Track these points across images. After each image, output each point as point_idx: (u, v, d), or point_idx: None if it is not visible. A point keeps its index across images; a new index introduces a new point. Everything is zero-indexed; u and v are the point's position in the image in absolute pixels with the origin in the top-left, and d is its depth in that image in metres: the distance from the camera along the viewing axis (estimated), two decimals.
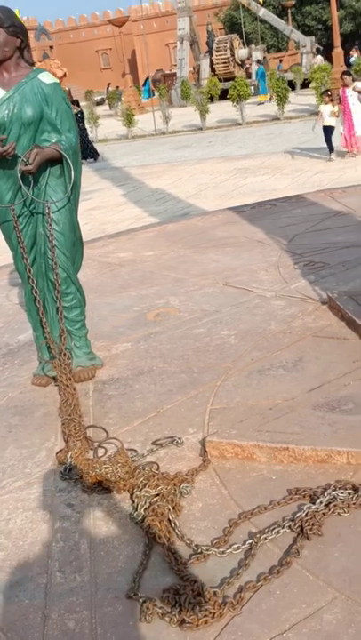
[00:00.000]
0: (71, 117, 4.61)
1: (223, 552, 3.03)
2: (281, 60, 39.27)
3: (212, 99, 31.78)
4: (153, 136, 27.11)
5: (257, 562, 2.96)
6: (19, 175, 4.42)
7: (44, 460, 3.96)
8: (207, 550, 3.04)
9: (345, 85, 15.02)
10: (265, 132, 22.63)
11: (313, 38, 39.42)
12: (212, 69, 38.63)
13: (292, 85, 31.03)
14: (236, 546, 3.04)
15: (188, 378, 4.62)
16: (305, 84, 33.65)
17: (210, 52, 39.67)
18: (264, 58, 38.85)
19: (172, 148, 22.03)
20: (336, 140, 15.12)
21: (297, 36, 39.89)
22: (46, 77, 4.53)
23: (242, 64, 39.12)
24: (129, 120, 27.20)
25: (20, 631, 2.78)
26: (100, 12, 73.55)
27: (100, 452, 3.92)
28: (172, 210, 12.69)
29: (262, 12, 40.70)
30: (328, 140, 15.16)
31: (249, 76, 36.19)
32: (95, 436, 4.08)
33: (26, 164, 4.37)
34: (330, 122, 15.13)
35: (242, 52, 39.27)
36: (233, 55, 38.80)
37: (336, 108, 15.04)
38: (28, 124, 4.44)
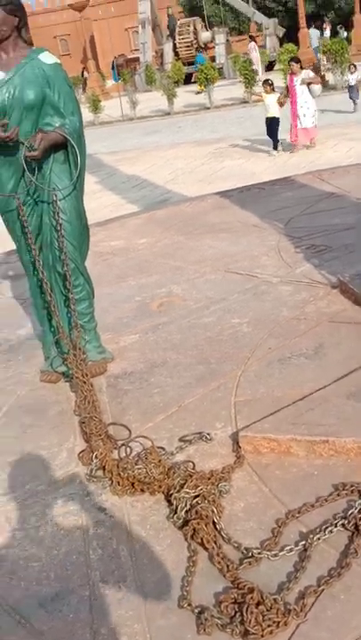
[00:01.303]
0: (74, 99, 4.38)
1: (276, 555, 2.86)
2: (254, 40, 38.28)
3: (177, 83, 31.44)
4: (121, 122, 26.74)
5: (313, 564, 2.80)
6: (23, 162, 4.19)
7: (65, 461, 3.76)
8: (258, 553, 2.87)
9: (292, 73, 13.95)
10: (234, 115, 22.43)
11: (276, 20, 39.19)
12: (176, 53, 38.21)
13: None
14: (288, 548, 2.88)
15: (205, 369, 4.44)
16: (270, 67, 33.48)
17: (172, 35, 39.23)
18: (227, 41, 38.53)
19: (142, 133, 21.72)
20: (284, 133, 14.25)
21: (259, 17, 39.63)
22: (47, 57, 4.28)
23: (205, 47, 38.71)
24: (95, 106, 26.78)
25: None
26: None
27: (126, 451, 3.72)
28: (150, 196, 12.47)
29: None
30: (272, 133, 14.16)
31: (213, 59, 35.86)
32: (117, 434, 3.88)
33: (30, 150, 4.14)
34: (274, 112, 14.01)
35: (205, 36, 38.84)
36: (196, 38, 38.40)
37: (282, 96, 13.96)
38: (30, 108, 4.20)
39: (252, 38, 34.31)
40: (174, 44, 38.19)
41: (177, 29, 38.67)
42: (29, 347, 5.25)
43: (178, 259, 6.76)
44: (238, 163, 13.88)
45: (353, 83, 18.17)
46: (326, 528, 2.95)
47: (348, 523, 2.94)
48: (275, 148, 14.21)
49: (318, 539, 2.90)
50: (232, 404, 3.98)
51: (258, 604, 2.59)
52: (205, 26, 40.65)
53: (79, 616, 2.73)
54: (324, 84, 22.24)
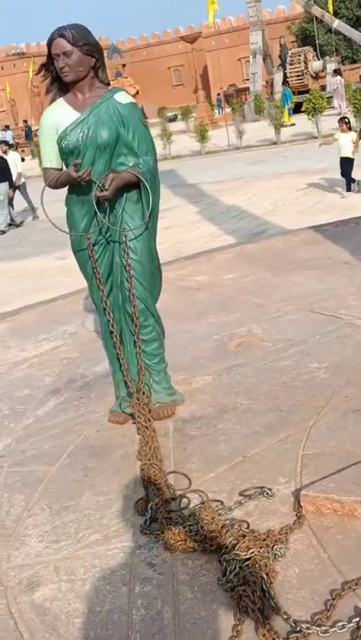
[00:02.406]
0: (149, 139, 4.34)
1: (326, 631, 2.65)
2: None
3: None
4: (226, 151, 26.83)
5: None
6: (94, 202, 4.17)
7: (122, 509, 3.66)
8: (307, 628, 2.66)
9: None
10: None
11: None
12: (286, 82, 38.14)
13: None
14: (341, 624, 2.65)
15: (276, 417, 4.26)
16: None
17: (283, 65, 39.23)
18: (337, 70, 38.16)
19: (247, 163, 21.68)
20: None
21: None
22: (122, 97, 4.27)
23: (316, 76, 38.49)
24: (202, 136, 26.98)
25: None
26: (171, 29, 74.05)
27: (184, 502, 3.60)
28: (248, 227, 12.35)
29: (336, 24, 40.05)
30: (346, 174, 13.67)
31: (323, 88, 35.60)
32: (177, 483, 3.76)
33: (102, 190, 4.12)
34: (347, 153, 13.48)
35: (316, 65, 38.65)
36: (307, 68, 38.25)
37: (358, 137, 13.45)
38: (104, 148, 4.19)
39: (337, 72, 33.58)
40: (285, 74, 38.13)
41: (288, 59, 38.63)
42: (103, 384, 5.21)
43: (261, 296, 6.60)
44: (340, 195, 13.59)
45: None
46: None
47: None
48: (348, 189, 13.63)
49: None
50: (299, 457, 3.78)
51: None
52: (317, 55, 40.45)
53: None
54: None
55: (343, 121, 13.90)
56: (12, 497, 3.98)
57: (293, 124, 29.82)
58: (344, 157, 13.58)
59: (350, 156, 13.48)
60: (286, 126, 28.32)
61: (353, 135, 13.49)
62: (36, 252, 13.34)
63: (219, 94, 41.67)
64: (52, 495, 3.91)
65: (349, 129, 13.74)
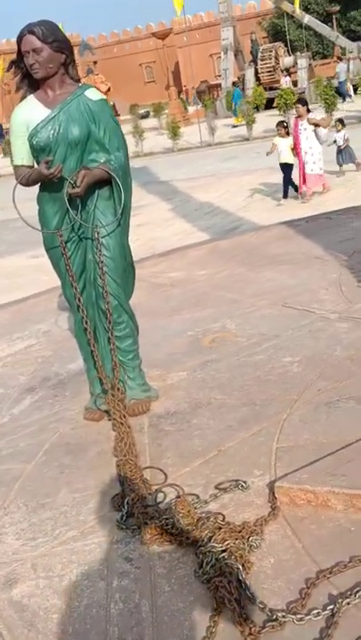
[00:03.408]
0: (120, 135, 4.34)
1: (302, 619, 2.69)
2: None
3: (257, 108, 31.44)
4: (199, 148, 26.86)
5: (340, 631, 2.62)
6: (66, 199, 4.17)
7: (99, 505, 3.68)
8: (283, 617, 2.70)
9: (298, 117, 12.73)
10: None
11: (360, 43, 38.79)
12: (258, 78, 38.25)
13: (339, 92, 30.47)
14: (316, 612, 2.70)
15: (249, 411, 4.30)
16: (354, 90, 33.09)
17: (254, 61, 39.33)
18: (310, 65, 38.32)
19: (219, 159, 21.73)
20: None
21: (343, 41, 39.34)
22: (93, 94, 4.27)
23: (287, 72, 38.63)
24: (174, 132, 27.00)
25: None
26: (142, 25, 73.79)
27: (160, 496, 3.62)
28: (221, 224, 12.40)
29: (307, 19, 40.25)
30: (286, 181, 13.01)
31: (295, 84, 35.78)
32: (153, 478, 3.78)
33: (73, 187, 4.12)
34: (287, 159, 12.88)
35: (287, 60, 38.77)
36: (278, 63, 38.37)
37: (292, 143, 12.79)
38: (75, 145, 4.19)
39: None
40: (256, 70, 38.23)
41: (259, 55, 38.73)
42: (78, 382, 5.21)
43: (236, 291, 6.65)
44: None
45: (341, 142, 14.69)
46: (358, 591, 2.76)
47: None
48: (285, 196, 13.11)
49: (348, 603, 2.72)
50: (273, 450, 3.83)
51: None
52: (288, 51, 40.60)
53: None
54: None
55: (282, 125, 13.23)
56: None
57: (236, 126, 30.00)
58: (283, 163, 13.03)
59: (290, 161, 12.95)
60: (236, 127, 28.42)
61: (290, 141, 12.86)
62: (10, 252, 13.27)
63: (185, 89, 41.88)
64: (28, 493, 3.92)
65: (287, 134, 13.10)
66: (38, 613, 3.00)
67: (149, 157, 26.11)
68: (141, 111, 46.53)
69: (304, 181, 12.78)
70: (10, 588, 3.18)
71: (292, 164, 12.99)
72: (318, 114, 13.46)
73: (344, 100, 31.80)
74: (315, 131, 12.43)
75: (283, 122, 13.49)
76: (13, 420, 4.88)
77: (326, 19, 44.30)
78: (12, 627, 2.94)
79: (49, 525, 3.59)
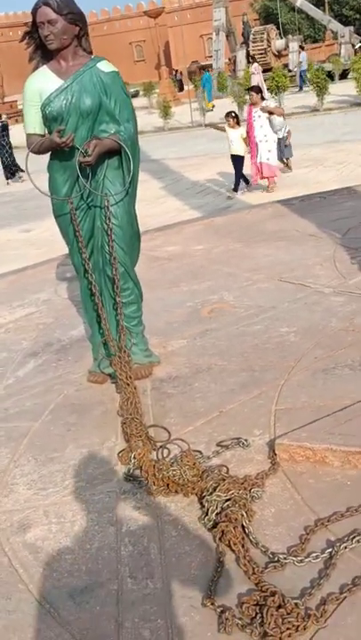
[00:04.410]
0: (130, 107, 4.49)
1: (302, 561, 2.89)
2: None
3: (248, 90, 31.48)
4: (190, 128, 26.92)
5: (338, 572, 2.82)
6: (77, 167, 4.31)
7: (105, 460, 3.86)
8: (284, 559, 2.91)
9: (252, 104, 12.31)
10: (305, 123, 22.33)
11: (351, 28, 38.90)
12: (249, 60, 38.27)
13: (330, 76, 30.57)
14: (315, 555, 2.90)
15: (249, 376, 4.49)
16: (344, 75, 33.23)
17: (246, 42, 39.33)
18: (301, 48, 38.34)
19: (210, 140, 21.81)
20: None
21: (335, 25, 39.41)
22: (105, 66, 4.40)
23: (279, 54, 38.68)
24: (165, 112, 27.03)
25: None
26: (133, 4, 73.41)
27: (164, 453, 3.81)
28: (214, 202, 12.56)
29: (299, 2, 40.27)
30: (237, 173, 12.67)
31: (286, 66, 35.83)
32: (157, 436, 3.97)
33: (84, 156, 4.26)
34: (238, 150, 12.50)
35: (279, 43, 38.85)
36: (270, 46, 38.40)
37: (244, 133, 12.43)
38: (87, 115, 4.32)
39: (253, 59, 34.18)
40: (248, 52, 38.24)
41: (251, 37, 38.72)
42: (80, 348, 5.38)
43: (232, 266, 6.82)
44: (304, 171, 13.84)
45: (281, 135, 13.00)
46: (354, 537, 2.96)
47: None
48: (235, 189, 12.79)
49: (345, 547, 2.92)
50: (272, 412, 4.02)
51: (278, 607, 2.63)
52: (280, 33, 40.61)
53: (105, 609, 2.81)
54: None
55: (230, 115, 12.72)
56: None
57: (212, 109, 30.07)
58: (235, 155, 12.66)
59: (240, 153, 12.59)
60: (209, 111, 28.42)
61: (242, 131, 12.47)
62: (0, 225, 13.38)
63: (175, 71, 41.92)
64: (36, 448, 4.09)
65: (238, 124, 12.66)
66: (52, 554, 3.18)
67: (140, 136, 25.48)
68: (131, 90, 46.31)
69: (259, 171, 12.38)
70: (24, 532, 3.35)
71: (243, 157, 12.65)
72: (271, 103, 13.18)
73: (301, 89, 32.35)
74: (269, 119, 12.12)
75: (232, 112, 13.04)
76: (19, 381, 5.04)
77: (319, 2, 44.27)
78: (28, 566, 3.12)
79: (58, 477, 3.76)
